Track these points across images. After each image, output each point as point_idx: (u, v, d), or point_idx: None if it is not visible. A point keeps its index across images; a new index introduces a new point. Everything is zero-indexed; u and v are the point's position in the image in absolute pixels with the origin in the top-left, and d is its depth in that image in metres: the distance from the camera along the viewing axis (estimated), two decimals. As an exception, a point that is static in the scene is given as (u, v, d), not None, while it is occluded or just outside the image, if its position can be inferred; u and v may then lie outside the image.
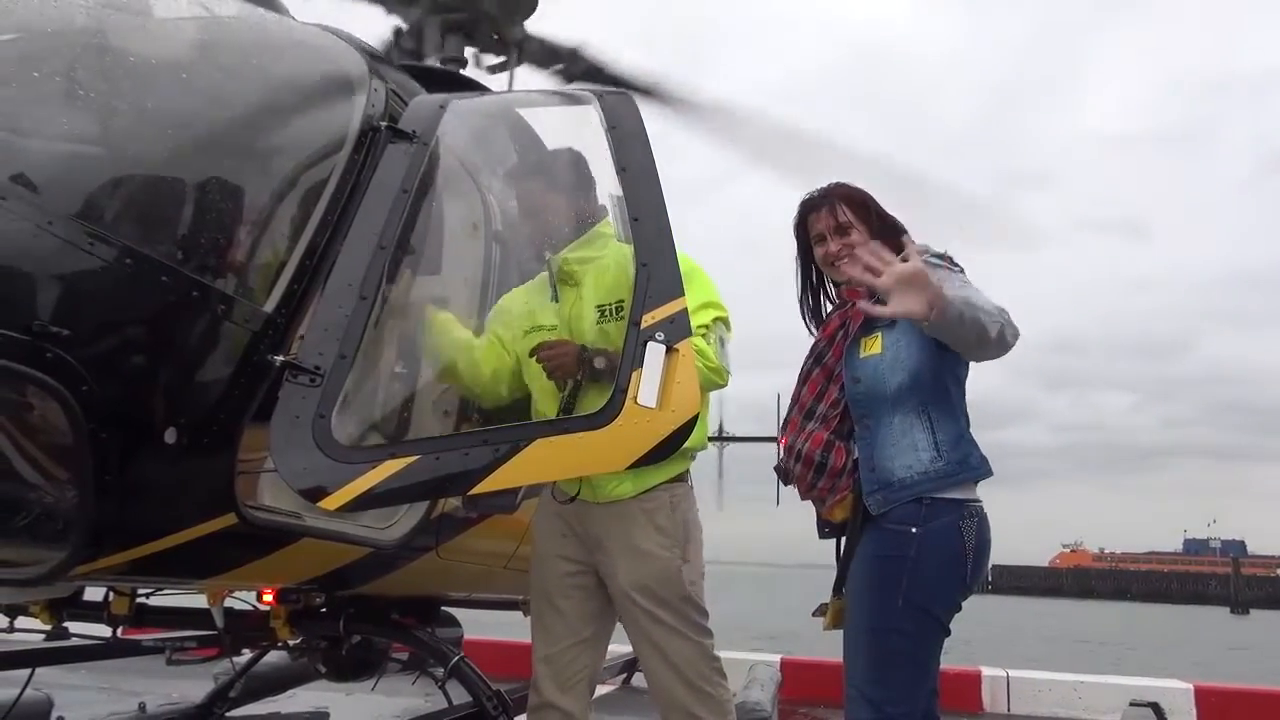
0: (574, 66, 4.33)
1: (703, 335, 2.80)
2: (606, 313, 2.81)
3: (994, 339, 2.27)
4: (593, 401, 2.66)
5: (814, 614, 2.78)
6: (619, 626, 2.96)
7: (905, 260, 2.20)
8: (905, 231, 2.59)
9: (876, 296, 2.52)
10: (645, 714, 3.24)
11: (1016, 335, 2.32)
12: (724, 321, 2.96)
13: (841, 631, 2.50)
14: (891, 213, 2.65)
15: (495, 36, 4.29)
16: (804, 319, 2.81)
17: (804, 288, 2.80)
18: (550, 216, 2.97)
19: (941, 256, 2.50)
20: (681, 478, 2.97)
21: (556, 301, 2.96)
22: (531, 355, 2.77)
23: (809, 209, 2.69)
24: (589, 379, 2.69)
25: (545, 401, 2.87)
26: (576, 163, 3.05)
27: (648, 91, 4.11)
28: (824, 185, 2.69)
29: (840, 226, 2.61)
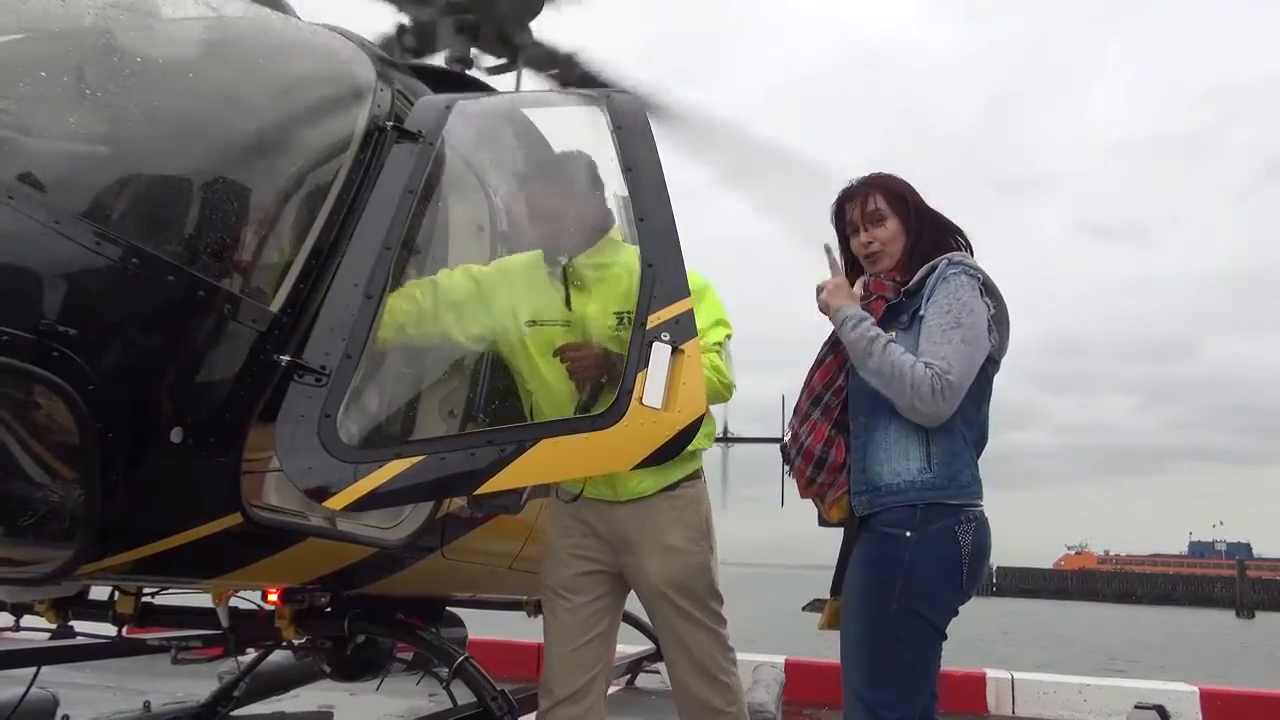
0: (569, 72, 4.45)
1: (716, 351, 2.90)
2: (625, 320, 2.77)
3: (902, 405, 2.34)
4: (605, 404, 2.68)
5: (805, 608, 2.77)
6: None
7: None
8: (954, 229, 2.56)
9: (903, 292, 2.50)
10: (649, 714, 3.23)
11: (933, 407, 2.30)
12: (730, 337, 3.05)
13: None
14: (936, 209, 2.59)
15: (501, 38, 4.32)
16: None
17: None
18: (562, 221, 2.93)
19: (967, 267, 2.43)
20: (698, 473, 3.04)
21: (569, 306, 2.89)
22: (555, 355, 2.75)
23: (846, 198, 2.63)
24: (610, 382, 2.67)
25: (549, 397, 2.85)
26: (589, 167, 3.03)
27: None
28: (865, 174, 2.63)
29: (869, 215, 2.56)
